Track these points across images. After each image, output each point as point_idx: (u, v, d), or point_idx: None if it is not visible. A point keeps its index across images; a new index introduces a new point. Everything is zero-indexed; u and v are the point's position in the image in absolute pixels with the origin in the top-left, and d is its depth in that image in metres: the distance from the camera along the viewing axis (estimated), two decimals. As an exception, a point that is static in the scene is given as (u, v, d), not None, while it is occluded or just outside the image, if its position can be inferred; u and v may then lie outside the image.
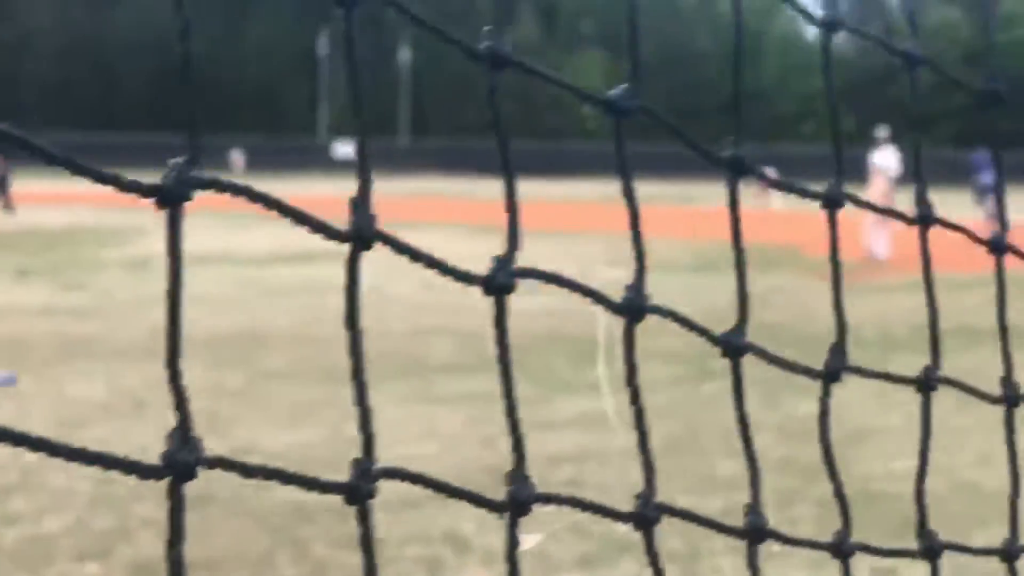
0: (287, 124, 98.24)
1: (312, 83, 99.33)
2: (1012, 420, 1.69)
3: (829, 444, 1.53)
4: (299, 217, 1.06)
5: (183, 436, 0.95)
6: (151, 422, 9.13)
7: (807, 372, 1.54)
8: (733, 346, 1.43)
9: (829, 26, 1.50)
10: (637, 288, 1.39)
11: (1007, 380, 1.67)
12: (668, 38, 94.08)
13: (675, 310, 1.42)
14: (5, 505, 7.06)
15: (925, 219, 1.58)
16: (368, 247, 1.10)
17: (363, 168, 1.10)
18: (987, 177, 24.83)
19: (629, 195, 1.35)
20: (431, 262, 1.21)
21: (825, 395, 1.54)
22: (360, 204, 1.11)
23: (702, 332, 1.42)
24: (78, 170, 0.93)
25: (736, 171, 1.42)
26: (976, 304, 10.05)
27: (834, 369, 1.53)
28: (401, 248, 1.15)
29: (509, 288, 1.24)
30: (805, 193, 1.53)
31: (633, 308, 1.39)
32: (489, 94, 1.24)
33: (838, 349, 1.54)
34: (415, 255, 1.17)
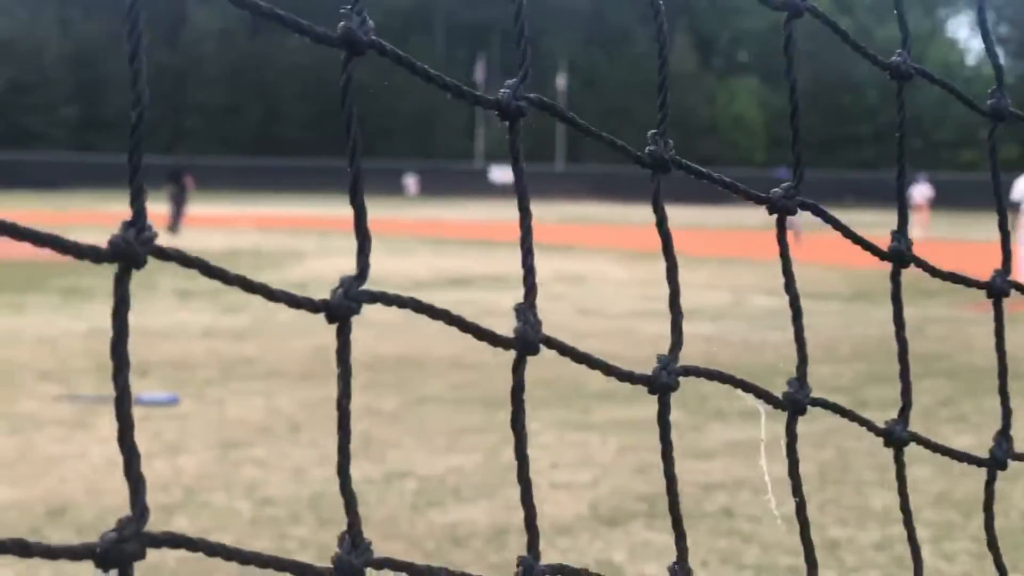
0: (445, 150, 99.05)
1: (469, 109, 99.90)
2: None
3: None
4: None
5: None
6: (307, 444, 9.24)
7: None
8: (793, 401, 1.42)
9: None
10: (800, 382, 1.39)
11: None
12: (825, 65, 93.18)
13: (836, 403, 1.41)
14: (168, 524, 7.17)
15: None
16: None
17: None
18: None
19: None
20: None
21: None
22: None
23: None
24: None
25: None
26: None
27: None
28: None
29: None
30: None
31: (795, 403, 1.40)
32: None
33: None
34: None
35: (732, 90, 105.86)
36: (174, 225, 35.84)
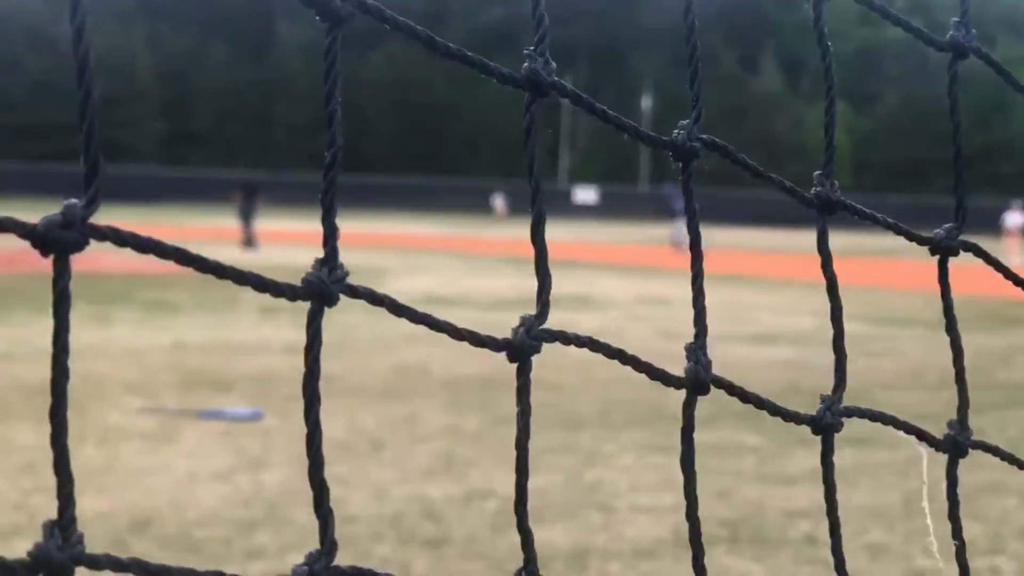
0: (526, 170, 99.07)
1: (554, 129, 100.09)
2: None
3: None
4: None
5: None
6: (388, 463, 9.26)
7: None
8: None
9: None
10: (961, 423, 1.38)
11: None
12: (915, 90, 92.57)
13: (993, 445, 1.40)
14: (250, 539, 7.21)
15: None
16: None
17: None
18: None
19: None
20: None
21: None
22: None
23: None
24: None
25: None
26: None
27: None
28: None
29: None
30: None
31: (957, 445, 1.39)
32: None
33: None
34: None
35: (818, 116, 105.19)
36: (249, 240, 36.11)
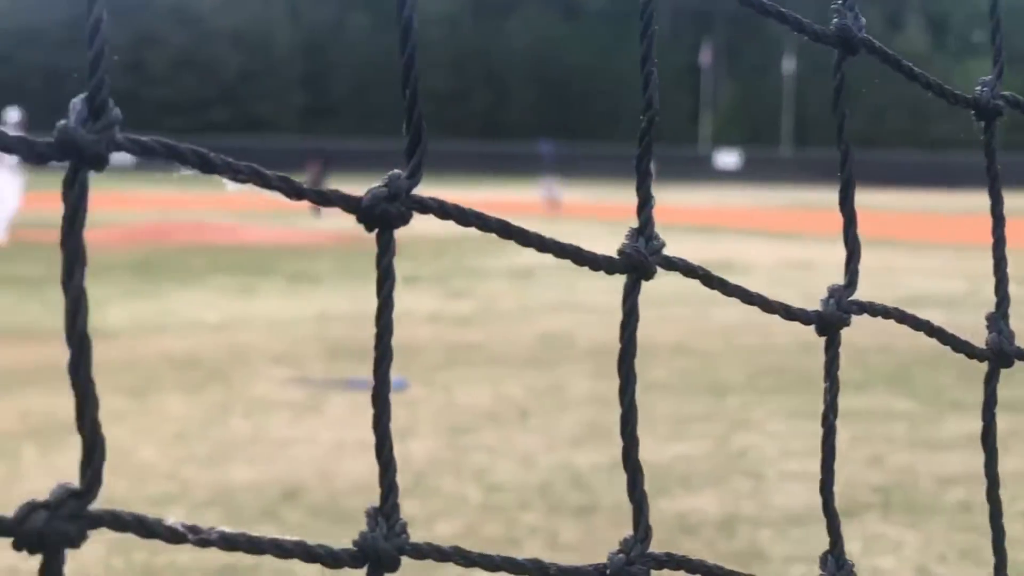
0: (667, 134, 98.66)
1: (694, 94, 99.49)
2: None
3: None
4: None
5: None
6: (535, 431, 9.25)
7: None
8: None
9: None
10: None
11: None
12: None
13: None
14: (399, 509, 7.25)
15: None
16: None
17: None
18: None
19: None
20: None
21: None
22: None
23: None
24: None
25: None
26: None
27: None
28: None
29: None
30: None
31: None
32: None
33: None
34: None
35: (968, 71, 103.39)
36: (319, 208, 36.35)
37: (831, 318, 1.11)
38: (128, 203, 19.47)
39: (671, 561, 1.04)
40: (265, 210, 36.40)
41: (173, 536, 0.86)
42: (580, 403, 10.18)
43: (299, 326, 14.37)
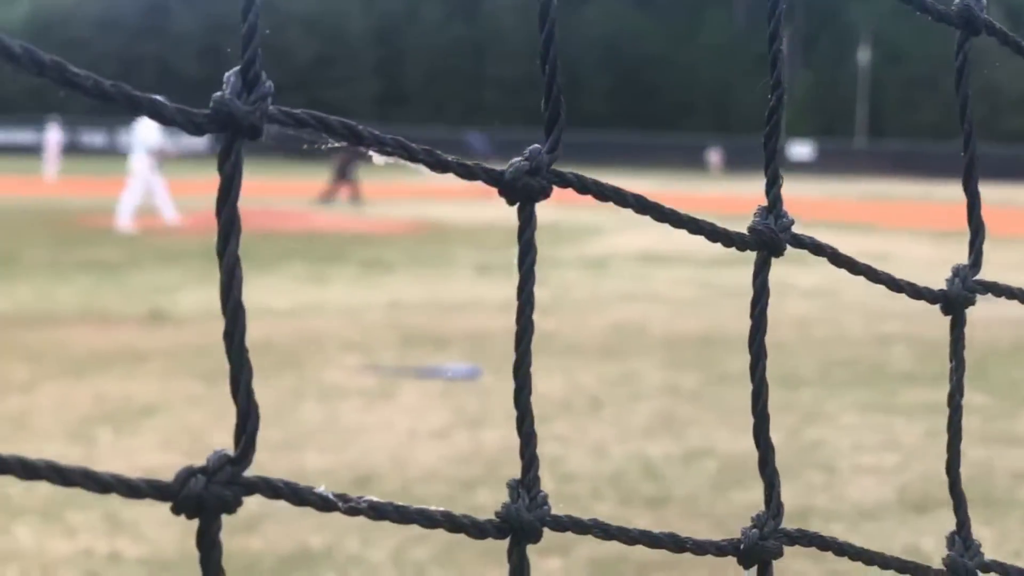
0: (741, 125, 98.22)
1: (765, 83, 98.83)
2: None
3: None
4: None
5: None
6: (608, 421, 9.24)
7: None
8: None
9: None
10: None
11: None
12: None
13: None
14: (471, 497, 7.26)
15: None
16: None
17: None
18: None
19: None
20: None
21: None
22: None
23: None
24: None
25: None
26: None
27: None
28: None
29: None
30: None
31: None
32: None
33: None
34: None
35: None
36: (357, 195, 36.10)
37: (957, 297, 1.11)
38: (199, 189, 19.63)
39: (803, 537, 1.05)
40: (366, 197, 36.49)
41: (324, 504, 0.88)
42: (653, 393, 10.16)
43: (371, 313, 14.41)
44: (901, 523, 6.86)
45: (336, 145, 0.91)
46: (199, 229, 25.48)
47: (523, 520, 0.95)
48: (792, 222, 1.01)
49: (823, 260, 1.13)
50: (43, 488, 6.85)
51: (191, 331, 12.70)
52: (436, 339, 12.57)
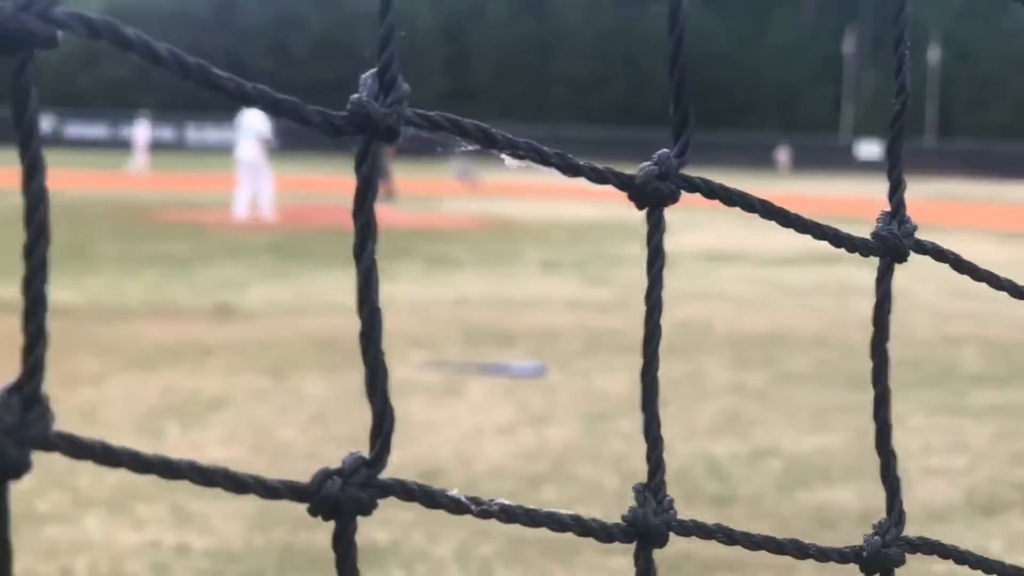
0: (810, 124, 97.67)
1: (836, 83, 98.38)
2: None
3: None
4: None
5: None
6: (672, 419, 9.21)
7: None
8: None
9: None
10: None
11: None
12: None
13: None
14: (537, 494, 7.26)
15: None
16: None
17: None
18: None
19: None
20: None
21: None
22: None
23: None
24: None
25: None
26: None
27: None
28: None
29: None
30: None
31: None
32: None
33: None
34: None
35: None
36: (391, 193, 36.02)
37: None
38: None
39: (925, 545, 1.05)
40: (411, 194, 36.58)
41: (457, 507, 0.89)
42: (718, 392, 10.12)
43: (437, 309, 14.44)
44: (969, 526, 6.81)
45: (469, 148, 0.92)
46: (265, 225, 25.63)
47: (650, 524, 0.95)
48: (915, 227, 1.00)
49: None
50: (111, 479, 6.92)
51: (257, 326, 12.77)
52: (502, 336, 12.57)
